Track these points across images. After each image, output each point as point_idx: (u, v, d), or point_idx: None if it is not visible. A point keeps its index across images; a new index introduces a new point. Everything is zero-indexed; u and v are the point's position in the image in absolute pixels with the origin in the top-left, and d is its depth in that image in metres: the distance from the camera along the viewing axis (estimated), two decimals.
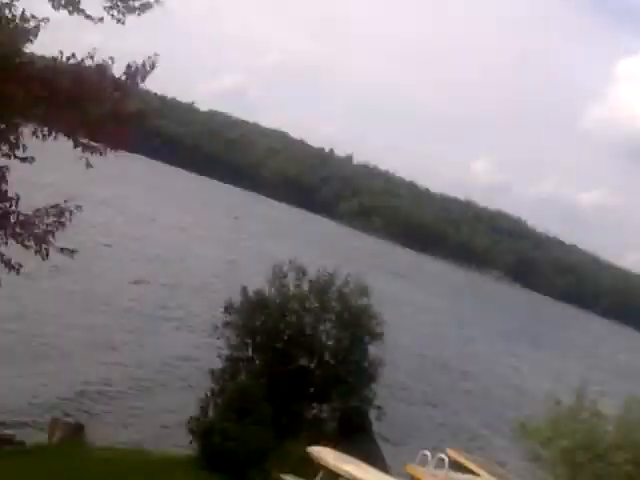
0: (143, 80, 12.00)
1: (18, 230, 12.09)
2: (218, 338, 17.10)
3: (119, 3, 11.99)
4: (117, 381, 23.81)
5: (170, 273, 46.52)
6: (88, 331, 28.22)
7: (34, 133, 11.68)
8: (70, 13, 12.04)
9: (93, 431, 17.35)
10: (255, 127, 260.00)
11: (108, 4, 11.96)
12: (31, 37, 11.32)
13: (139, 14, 12.18)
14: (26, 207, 12.43)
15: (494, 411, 38.83)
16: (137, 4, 12.04)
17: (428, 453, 22.17)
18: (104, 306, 33.02)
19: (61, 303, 30.97)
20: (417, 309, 72.94)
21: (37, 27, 11.30)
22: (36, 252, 12.16)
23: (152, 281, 42.46)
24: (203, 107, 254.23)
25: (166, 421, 21.49)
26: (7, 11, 11.21)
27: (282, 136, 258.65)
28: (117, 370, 24.72)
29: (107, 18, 12.14)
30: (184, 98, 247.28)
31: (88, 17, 12.04)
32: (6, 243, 12.14)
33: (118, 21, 12.09)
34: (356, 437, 15.80)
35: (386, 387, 34.81)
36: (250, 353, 16.97)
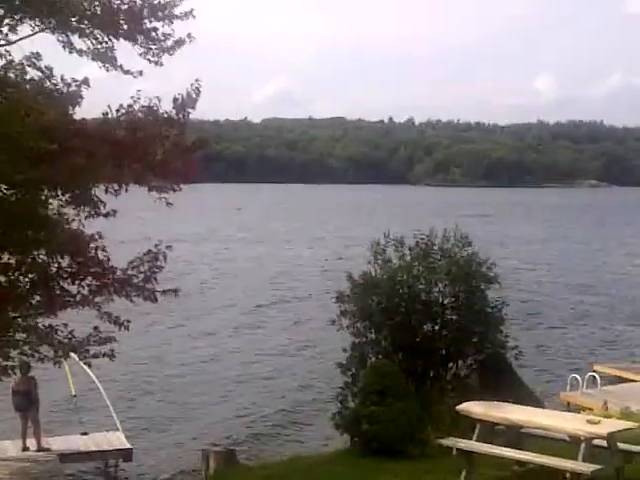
0: (193, 108, 12.21)
1: (118, 286, 12.44)
2: (338, 330, 17.16)
3: (152, 47, 12.17)
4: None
5: None
6: None
7: (106, 191, 12.01)
8: (108, 70, 12.32)
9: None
10: (311, 122, 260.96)
11: (142, 50, 12.17)
12: (78, 100, 11.61)
13: (172, 54, 12.35)
14: (120, 261, 12.82)
15: None
16: (170, 43, 12.21)
17: (577, 376, 21.95)
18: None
19: None
20: (522, 243, 72.01)
21: (80, 88, 11.58)
22: (145, 298, 12.48)
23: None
24: (257, 119, 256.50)
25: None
26: (48, 82, 11.53)
27: (340, 122, 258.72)
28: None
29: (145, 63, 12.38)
30: (236, 116, 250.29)
31: (127, 72, 12.29)
32: (112, 300, 12.51)
33: (155, 64, 12.30)
34: (500, 383, 15.67)
35: (529, 319, 35.30)
36: (373, 335, 16.99)
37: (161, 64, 12.32)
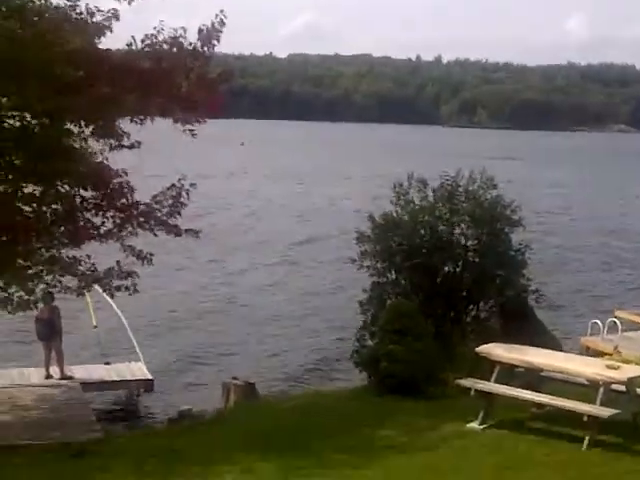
0: (218, 40, 12.07)
1: (142, 220, 12.45)
2: (358, 269, 17.16)
3: None
4: None
5: None
6: None
7: (132, 121, 11.96)
8: (129, 3, 12.16)
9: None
10: (337, 58, 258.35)
11: None
12: (103, 30, 11.51)
13: None
14: (146, 194, 12.83)
15: None
16: None
17: (598, 321, 21.90)
18: None
19: None
20: (549, 186, 71.47)
21: (108, 19, 11.47)
22: (167, 232, 12.50)
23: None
24: (282, 54, 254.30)
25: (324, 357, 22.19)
26: (73, 13, 11.42)
27: (366, 59, 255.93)
28: None
29: None
30: (261, 51, 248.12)
31: None
32: (136, 234, 12.55)
33: None
34: (521, 326, 15.66)
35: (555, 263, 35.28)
36: (393, 275, 16.98)
37: None
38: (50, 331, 17.16)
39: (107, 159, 12.24)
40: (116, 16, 11.50)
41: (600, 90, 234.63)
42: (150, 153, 15.44)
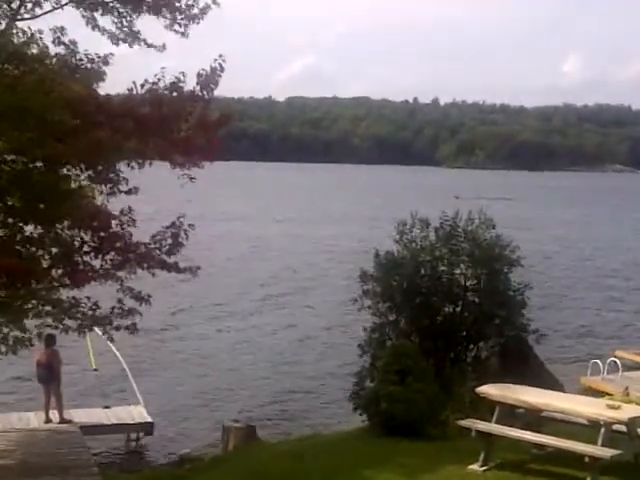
0: (216, 84, 12.18)
1: (141, 260, 12.50)
2: (359, 310, 17.18)
3: (179, 16, 12.17)
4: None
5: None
6: None
7: (129, 165, 12.04)
8: (130, 46, 12.33)
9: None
10: (335, 100, 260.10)
11: (168, 22, 12.18)
12: (102, 76, 11.64)
13: (199, 21, 12.34)
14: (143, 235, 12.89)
15: None
16: (196, 11, 12.20)
17: (598, 361, 21.87)
18: None
19: None
20: (546, 226, 71.62)
21: (106, 63, 11.61)
22: (167, 270, 12.51)
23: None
24: (280, 97, 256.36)
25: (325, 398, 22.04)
26: (72, 59, 11.56)
27: (364, 101, 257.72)
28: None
29: (168, 37, 12.39)
30: (260, 94, 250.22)
31: (150, 46, 12.30)
32: (135, 272, 12.57)
33: (182, 35, 12.30)
34: (521, 366, 15.64)
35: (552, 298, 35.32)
36: (394, 315, 16.99)
37: (187, 35, 12.33)
38: (49, 375, 17.13)
39: (106, 202, 12.32)
40: (106, 62, 11.64)
41: (596, 131, 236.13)
42: (148, 196, 15.49)
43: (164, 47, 12.30)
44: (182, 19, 12.15)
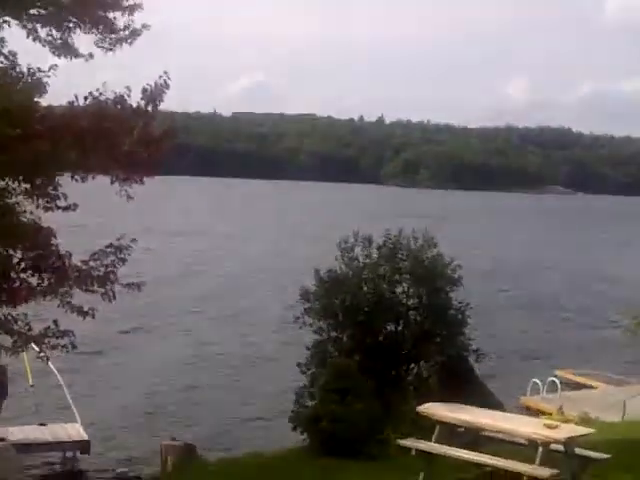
0: (161, 100, 12.07)
1: (79, 278, 12.26)
2: (300, 328, 17.15)
3: (110, 36, 12.17)
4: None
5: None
6: None
7: (72, 178, 11.85)
8: (66, 58, 12.22)
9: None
10: (281, 117, 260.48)
11: (98, 39, 12.16)
12: (43, 88, 11.46)
13: (130, 43, 12.35)
14: (82, 252, 12.66)
15: None
16: (126, 33, 12.21)
17: (538, 381, 22.13)
18: None
19: None
20: (482, 246, 72.46)
21: (47, 76, 11.44)
22: (102, 295, 12.32)
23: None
24: (226, 112, 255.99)
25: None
26: (12, 72, 11.36)
27: (310, 118, 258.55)
28: None
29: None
30: (206, 109, 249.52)
31: (77, 56, 12.23)
32: (71, 295, 12.33)
33: (109, 51, 12.29)
34: (461, 385, 15.73)
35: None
36: (336, 333, 16.99)
37: (113, 51, 12.34)
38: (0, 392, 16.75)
39: (40, 219, 12.07)
40: (46, 75, 11.54)
41: (539, 152, 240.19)
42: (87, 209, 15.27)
43: (91, 56, 12.25)
44: (112, 38, 12.17)
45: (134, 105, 12.00)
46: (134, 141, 11.94)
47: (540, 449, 11.25)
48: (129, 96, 11.95)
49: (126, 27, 12.16)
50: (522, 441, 12.13)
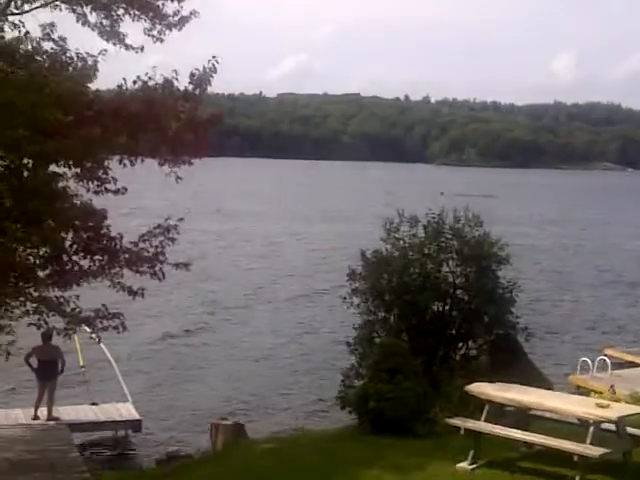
0: (209, 84, 12.19)
1: (129, 260, 12.45)
2: (348, 308, 17.21)
3: (158, 24, 12.24)
4: None
5: None
6: None
7: (120, 162, 12.02)
8: (114, 45, 12.34)
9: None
10: (326, 97, 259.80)
11: (148, 26, 12.23)
12: (93, 73, 11.62)
13: (179, 29, 12.42)
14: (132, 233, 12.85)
15: None
16: (175, 19, 12.27)
17: (587, 359, 21.92)
18: None
19: None
20: (536, 223, 71.80)
21: (96, 62, 11.60)
22: (152, 275, 12.49)
23: None
24: (271, 93, 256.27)
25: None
26: (63, 56, 11.53)
27: (355, 98, 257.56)
28: None
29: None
30: (251, 91, 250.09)
31: (128, 47, 12.33)
32: (122, 275, 12.53)
33: (158, 40, 12.35)
34: (510, 364, 15.66)
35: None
36: (383, 313, 17.00)
37: (162, 40, 12.40)
38: (53, 372, 17.10)
39: (91, 201, 12.26)
40: (96, 60, 11.66)
41: (587, 129, 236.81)
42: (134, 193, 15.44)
43: (142, 49, 12.34)
44: (161, 25, 12.23)
45: (181, 89, 12.13)
46: (182, 125, 12.08)
47: (591, 428, 11.19)
48: (176, 80, 12.09)
49: (175, 14, 12.23)
50: (572, 420, 12.08)
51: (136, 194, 13.06)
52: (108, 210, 12.43)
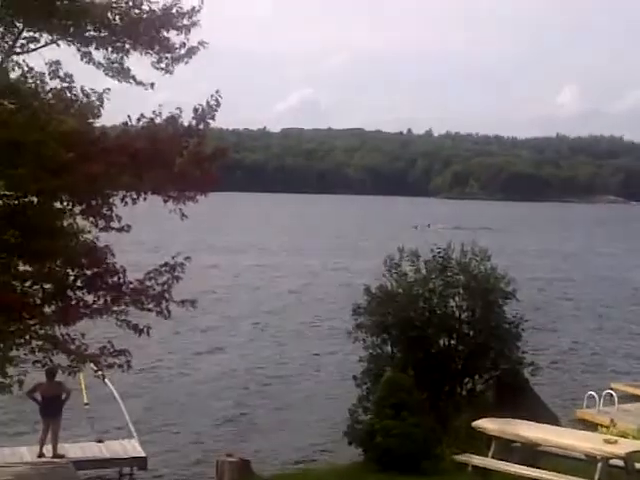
0: (212, 119, 12.21)
1: (135, 297, 12.41)
2: (354, 342, 17.17)
3: (165, 56, 12.24)
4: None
5: None
6: None
7: (123, 200, 12.01)
8: (120, 82, 12.38)
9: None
10: (330, 132, 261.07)
11: (155, 59, 12.24)
12: (97, 111, 11.65)
13: (187, 62, 12.43)
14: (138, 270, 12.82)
15: None
16: (183, 51, 12.28)
17: (594, 393, 21.78)
18: None
19: None
20: (539, 256, 71.73)
21: (101, 99, 11.63)
22: (157, 313, 12.44)
23: None
24: (275, 128, 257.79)
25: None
26: (67, 93, 11.58)
27: (358, 133, 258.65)
28: None
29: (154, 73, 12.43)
30: (255, 126, 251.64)
31: (139, 84, 12.36)
32: (126, 313, 12.48)
33: (166, 72, 12.36)
34: (516, 399, 15.57)
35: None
36: (389, 348, 16.96)
37: (171, 73, 12.40)
38: (57, 409, 17.03)
39: (97, 238, 12.26)
40: (101, 98, 11.68)
41: (589, 162, 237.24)
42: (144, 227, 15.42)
43: (152, 86, 12.34)
44: (169, 58, 12.23)
45: (185, 124, 12.16)
46: (186, 160, 12.10)
47: (599, 464, 11.10)
48: (180, 116, 12.12)
49: (182, 45, 12.24)
50: (580, 456, 11.98)
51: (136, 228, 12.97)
52: (112, 245, 12.42)
